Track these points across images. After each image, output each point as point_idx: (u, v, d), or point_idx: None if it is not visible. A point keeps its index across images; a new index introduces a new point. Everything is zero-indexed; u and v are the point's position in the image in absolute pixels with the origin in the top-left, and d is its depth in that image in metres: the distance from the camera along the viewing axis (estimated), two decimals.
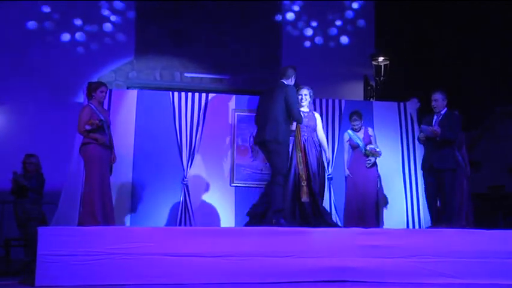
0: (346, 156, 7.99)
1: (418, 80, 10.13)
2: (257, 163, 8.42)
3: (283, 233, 5.91)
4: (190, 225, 7.79)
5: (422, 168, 7.47)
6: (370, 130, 8.02)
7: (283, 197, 6.67)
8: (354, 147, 7.97)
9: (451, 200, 7.12)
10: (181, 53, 10.75)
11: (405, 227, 8.34)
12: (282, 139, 6.71)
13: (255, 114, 7.07)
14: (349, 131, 7.99)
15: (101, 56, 10.46)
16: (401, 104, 8.84)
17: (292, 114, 6.74)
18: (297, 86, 7.19)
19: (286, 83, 6.94)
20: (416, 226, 8.40)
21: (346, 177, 7.93)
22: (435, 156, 7.25)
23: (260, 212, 6.84)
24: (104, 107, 7.25)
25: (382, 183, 8.27)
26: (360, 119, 7.92)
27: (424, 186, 7.52)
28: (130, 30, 10.66)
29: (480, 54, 10.54)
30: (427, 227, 7.51)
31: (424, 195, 7.49)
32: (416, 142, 8.40)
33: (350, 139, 7.99)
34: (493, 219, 9.05)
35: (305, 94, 7.26)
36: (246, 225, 6.90)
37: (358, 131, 7.94)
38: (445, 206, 7.12)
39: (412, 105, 8.80)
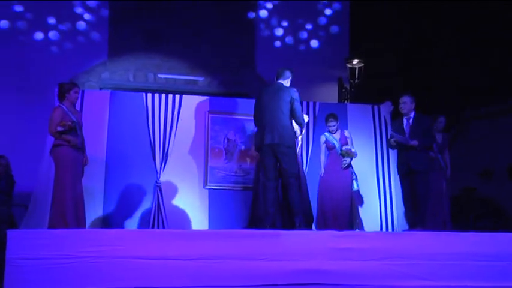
0: (322, 158, 7.98)
1: (392, 83, 10.26)
2: (231, 165, 8.46)
3: (256, 236, 5.87)
4: (163, 228, 7.78)
5: (399, 172, 7.49)
6: (346, 132, 8.07)
7: (294, 199, 6.70)
8: (330, 148, 7.99)
9: (425, 202, 7.16)
10: (155, 54, 10.76)
11: (379, 229, 8.40)
12: (292, 143, 6.77)
13: (254, 116, 7.03)
14: (326, 133, 8.02)
15: (73, 56, 10.42)
16: (375, 107, 8.89)
17: (296, 118, 6.81)
18: None
19: (285, 84, 6.96)
20: (390, 229, 8.45)
21: (320, 177, 7.93)
22: (411, 156, 7.29)
23: (260, 215, 6.92)
24: (76, 108, 7.18)
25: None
26: (336, 120, 7.95)
27: (401, 189, 7.54)
28: (104, 30, 10.63)
29: (457, 58, 10.78)
30: (403, 231, 7.55)
31: (402, 198, 7.51)
32: None
33: (326, 140, 8.00)
34: (464, 222, 9.14)
35: None
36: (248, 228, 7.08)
37: (334, 133, 7.98)
38: (418, 208, 7.16)
39: (386, 108, 8.85)
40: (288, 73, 6.94)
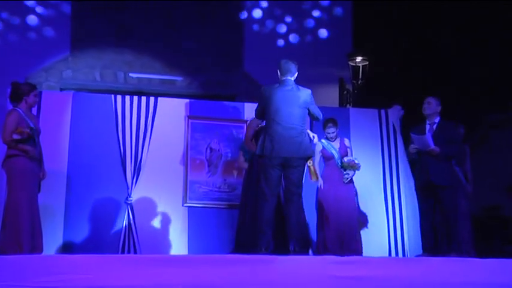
0: (316, 168, 7.92)
1: (401, 85, 10.43)
2: (215, 179, 8.51)
3: (245, 262, 5.84)
4: (135, 252, 7.82)
5: (417, 184, 7.60)
6: (346, 141, 8.11)
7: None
8: (328, 158, 8.04)
9: (456, 222, 7.26)
10: (127, 50, 10.84)
11: (387, 254, 8.46)
12: (308, 153, 6.87)
13: (257, 118, 7.15)
14: (323, 140, 8.04)
15: (29, 52, 10.43)
16: (383, 112, 8.95)
17: (316, 119, 7.04)
18: None
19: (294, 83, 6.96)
20: (400, 254, 8.51)
21: (317, 191, 7.93)
22: (432, 169, 7.38)
23: (248, 237, 7.10)
24: (32, 112, 7.16)
25: (360, 202, 8.36)
26: (336, 127, 8.01)
27: (418, 206, 7.63)
28: (66, 22, 10.66)
29: (470, 58, 10.99)
30: (417, 255, 7.58)
31: (419, 216, 7.58)
32: (400, 155, 8.71)
33: (323, 149, 8.04)
34: (488, 246, 9.17)
35: None
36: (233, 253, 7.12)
37: (333, 141, 8.03)
38: (450, 231, 7.26)
39: (395, 113, 8.94)
40: (294, 67, 6.91)
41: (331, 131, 8.00)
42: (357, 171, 7.95)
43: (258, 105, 6.95)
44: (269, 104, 6.75)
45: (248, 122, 8.05)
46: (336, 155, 7.99)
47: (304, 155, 6.77)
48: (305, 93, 6.84)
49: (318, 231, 7.89)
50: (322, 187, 7.86)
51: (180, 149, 8.46)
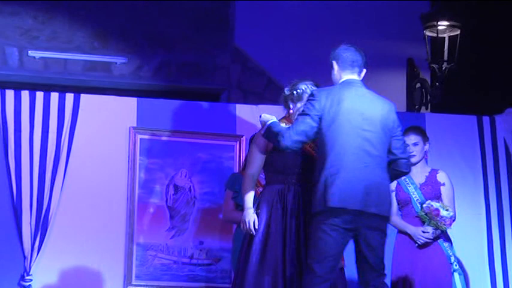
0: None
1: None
2: (182, 242, 8.31)
3: None
4: None
5: None
6: (442, 174, 7.88)
7: None
8: (403, 204, 7.87)
9: None
10: (23, 15, 10.64)
11: None
12: (391, 211, 6.90)
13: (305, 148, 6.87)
14: None
15: None
16: (486, 120, 8.95)
17: (401, 164, 6.81)
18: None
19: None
20: None
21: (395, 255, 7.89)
22: None
23: None
24: None
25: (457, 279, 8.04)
26: (423, 137, 7.88)
27: None
28: None
29: None
30: None
31: None
32: None
33: (398, 185, 7.85)
34: None
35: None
36: None
37: (413, 164, 7.74)
38: None
39: (509, 121, 8.98)
40: (362, 57, 6.80)
41: (415, 148, 7.79)
42: (446, 229, 7.75)
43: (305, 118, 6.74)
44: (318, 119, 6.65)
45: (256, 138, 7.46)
46: (416, 197, 7.70)
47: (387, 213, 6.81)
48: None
49: None
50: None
51: (119, 185, 8.23)
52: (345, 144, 6.51)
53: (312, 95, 6.70)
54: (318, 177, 6.57)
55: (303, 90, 7.07)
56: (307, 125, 6.56)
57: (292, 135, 6.56)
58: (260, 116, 6.91)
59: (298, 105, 7.08)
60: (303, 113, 6.67)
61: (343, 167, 6.48)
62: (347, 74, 6.66)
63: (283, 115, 7.08)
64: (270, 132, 6.65)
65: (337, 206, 6.42)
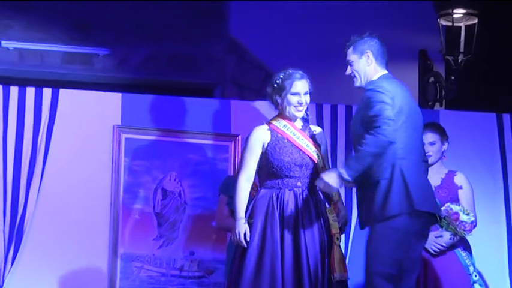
0: None
1: None
2: (172, 253, 8.26)
3: None
4: None
5: None
6: (460, 176, 7.87)
7: None
8: None
9: None
10: None
11: None
12: None
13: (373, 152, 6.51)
14: None
15: None
16: (506, 117, 8.96)
17: None
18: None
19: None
20: None
21: None
22: None
23: None
24: None
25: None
26: (442, 136, 7.87)
27: None
28: None
29: None
30: None
31: None
32: None
33: None
34: None
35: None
36: None
37: (429, 166, 7.46)
38: None
39: None
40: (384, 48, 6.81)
41: (432, 148, 7.76)
42: (466, 235, 7.71)
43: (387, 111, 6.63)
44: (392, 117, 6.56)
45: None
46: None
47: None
48: None
49: None
50: None
51: (101, 190, 8.16)
52: (407, 143, 6.51)
53: (380, 87, 6.56)
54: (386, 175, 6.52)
55: (281, 78, 7.03)
56: (390, 110, 6.43)
57: (387, 128, 6.34)
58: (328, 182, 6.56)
59: (283, 95, 7.07)
60: (380, 101, 6.46)
61: (416, 170, 6.53)
62: (383, 68, 6.68)
63: (275, 114, 7.05)
64: (362, 161, 6.36)
65: (423, 209, 6.49)
